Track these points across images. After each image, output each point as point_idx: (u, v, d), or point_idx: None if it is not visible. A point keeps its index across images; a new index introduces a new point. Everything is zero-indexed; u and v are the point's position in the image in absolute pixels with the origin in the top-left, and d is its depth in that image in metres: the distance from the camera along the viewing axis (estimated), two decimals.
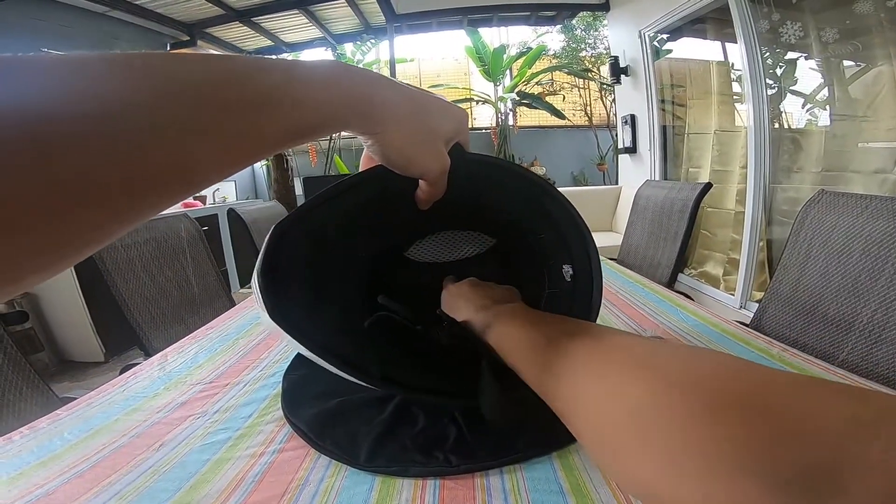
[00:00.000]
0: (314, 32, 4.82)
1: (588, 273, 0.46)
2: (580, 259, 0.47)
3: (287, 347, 0.74)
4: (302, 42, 5.03)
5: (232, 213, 1.85)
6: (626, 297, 0.99)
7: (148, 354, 1.06)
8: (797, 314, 0.97)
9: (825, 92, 2.36)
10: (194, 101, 0.21)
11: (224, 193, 4.26)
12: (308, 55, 5.25)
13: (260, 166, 4.88)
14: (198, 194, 3.43)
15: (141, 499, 0.40)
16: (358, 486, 0.41)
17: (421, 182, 0.39)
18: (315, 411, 0.51)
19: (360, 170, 0.41)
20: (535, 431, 0.46)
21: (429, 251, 0.56)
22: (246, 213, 1.84)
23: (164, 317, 1.26)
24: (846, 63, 2.23)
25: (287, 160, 4.42)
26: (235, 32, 4.53)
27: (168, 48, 4.16)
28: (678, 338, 0.73)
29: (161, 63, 0.20)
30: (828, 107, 2.37)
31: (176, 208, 2.95)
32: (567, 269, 0.47)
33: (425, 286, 0.54)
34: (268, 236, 0.38)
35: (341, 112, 0.30)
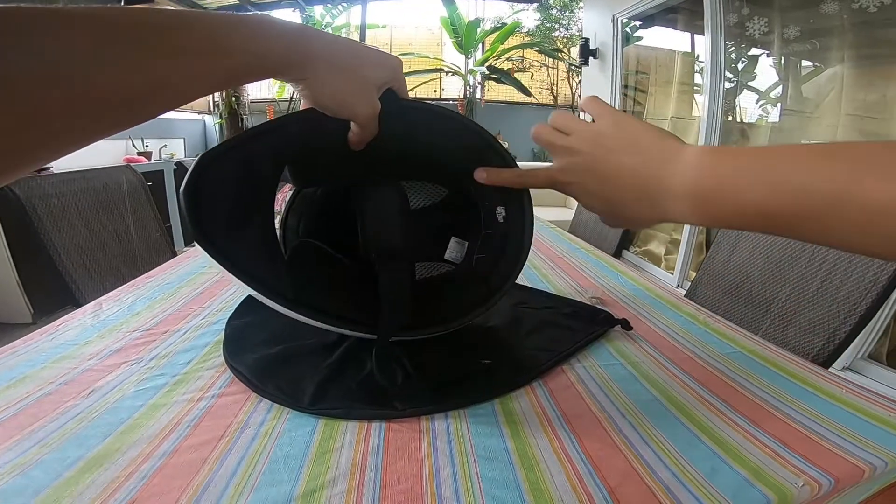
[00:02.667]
0: None
1: (520, 215, 0.49)
2: (514, 203, 0.50)
3: (233, 295, 0.72)
4: (269, 2, 4.75)
5: (180, 168, 1.76)
6: (570, 260, 1.02)
7: None
8: (725, 292, 1.04)
9: (780, 90, 2.47)
10: (135, 44, 0.25)
11: (171, 150, 4.01)
12: (276, 14, 4.97)
13: (213, 124, 4.62)
14: (143, 150, 3.24)
15: (66, 446, 0.37)
16: (300, 429, 0.41)
17: (352, 124, 0.42)
18: (258, 356, 0.50)
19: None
20: (478, 378, 0.48)
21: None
22: None
23: (99, 269, 1.19)
24: (803, 63, 2.33)
25: (242, 119, 4.22)
26: None
27: (122, 2, 3.83)
28: (615, 300, 0.76)
29: (105, 14, 0.23)
30: (779, 104, 2.49)
31: (118, 161, 2.76)
32: (500, 211, 0.50)
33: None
34: (193, 163, 0.39)
35: (273, 61, 0.34)
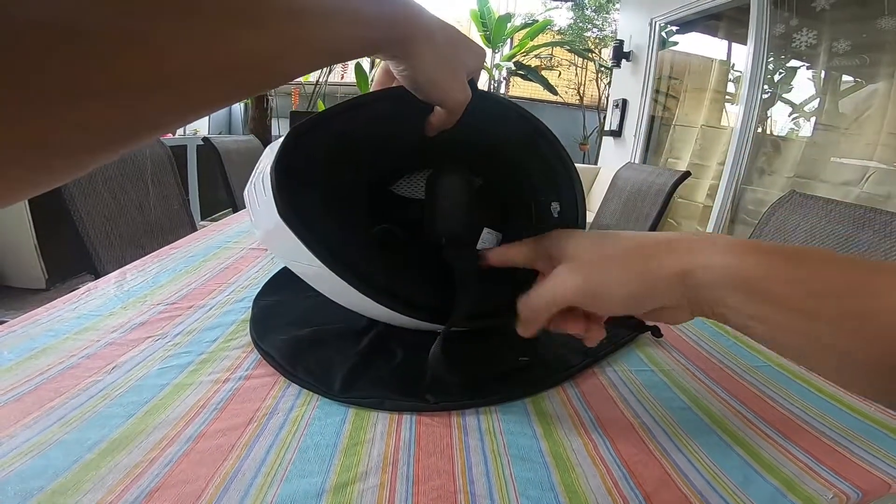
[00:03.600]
0: None
1: (574, 208, 0.49)
2: (567, 196, 0.49)
3: (258, 272, 0.70)
4: None
5: (207, 143, 1.74)
6: None
7: (98, 277, 0.99)
8: None
9: (815, 103, 2.41)
10: (215, 8, 0.18)
11: (195, 126, 4.04)
12: None
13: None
14: None
15: (88, 425, 0.36)
16: (330, 417, 0.39)
17: (437, 109, 0.39)
18: (286, 338, 0.48)
19: (373, 89, 0.42)
20: (511, 375, 0.46)
21: (413, 187, 0.54)
22: (221, 144, 1.75)
23: (121, 238, 1.18)
24: (844, 77, 2.27)
25: (267, 99, 4.22)
26: None
27: None
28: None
29: None
30: (813, 118, 2.43)
31: None
32: (555, 206, 0.49)
33: (406, 220, 0.53)
34: (283, 138, 0.38)
35: (385, 31, 0.30)
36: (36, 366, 0.43)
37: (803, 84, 2.51)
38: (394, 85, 0.40)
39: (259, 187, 0.40)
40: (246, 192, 0.46)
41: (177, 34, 0.17)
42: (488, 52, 5.24)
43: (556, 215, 0.49)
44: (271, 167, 0.36)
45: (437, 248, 0.45)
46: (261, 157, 0.46)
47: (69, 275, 2.32)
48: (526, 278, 0.42)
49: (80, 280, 2.30)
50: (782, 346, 0.28)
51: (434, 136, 0.41)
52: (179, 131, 3.65)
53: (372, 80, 0.41)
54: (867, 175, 2.02)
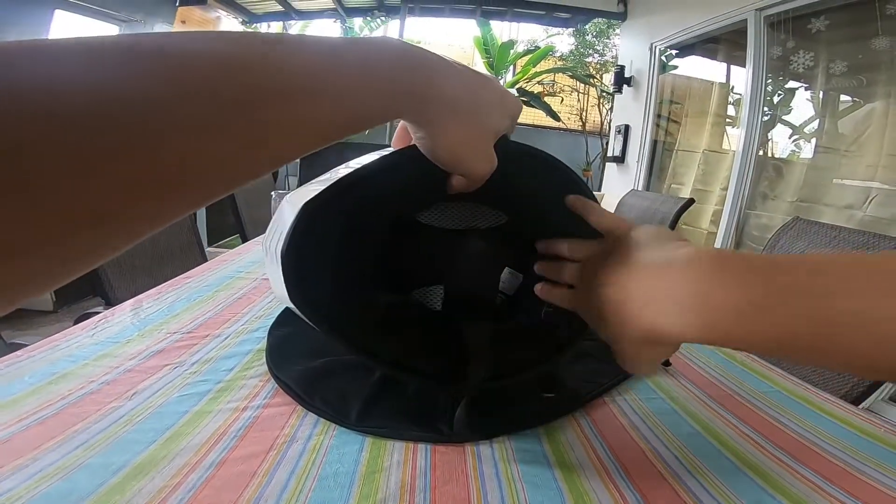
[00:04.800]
0: (327, 3, 4.69)
1: None
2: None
3: (271, 303, 0.71)
4: (313, 11, 4.90)
5: None
6: None
7: (109, 304, 1.00)
8: None
9: (815, 124, 2.43)
10: (208, 95, 0.17)
11: None
12: (317, 25, 5.13)
13: None
14: None
15: (111, 450, 0.36)
16: (347, 446, 0.40)
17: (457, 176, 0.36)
18: (302, 368, 0.49)
19: (392, 145, 0.39)
20: (522, 405, 0.47)
21: (439, 216, 0.54)
22: None
23: (132, 265, 1.20)
24: (842, 98, 2.30)
25: None
26: None
27: (177, 4, 3.96)
28: None
29: (174, 49, 0.17)
30: (814, 139, 2.45)
31: None
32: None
33: (427, 250, 0.53)
34: (296, 216, 0.35)
35: (391, 103, 0.27)
36: (57, 391, 0.44)
37: (802, 105, 2.55)
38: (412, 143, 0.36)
39: (272, 255, 0.38)
40: (263, 242, 0.46)
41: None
42: None
43: None
44: (281, 251, 0.35)
45: (449, 314, 0.45)
46: (279, 210, 0.42)
47: (76, 298, 2.34)
48: (535, 338, 0.42)
49: (87, 303, 2.33)
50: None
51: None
52: None
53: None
54: (870, 197, 2.03)
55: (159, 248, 1.33)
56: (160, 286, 0.76)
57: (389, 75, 0.26)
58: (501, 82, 5.26)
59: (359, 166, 0.36)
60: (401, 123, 0.37)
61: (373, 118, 0.26)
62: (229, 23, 4.73)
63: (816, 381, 0.80)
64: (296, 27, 5.12)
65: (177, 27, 4.00)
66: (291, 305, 0.37)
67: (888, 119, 2.00)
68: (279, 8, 4.70)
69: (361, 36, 0.28)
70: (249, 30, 4.88)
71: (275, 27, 5.22)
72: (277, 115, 0.20)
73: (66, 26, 3.12)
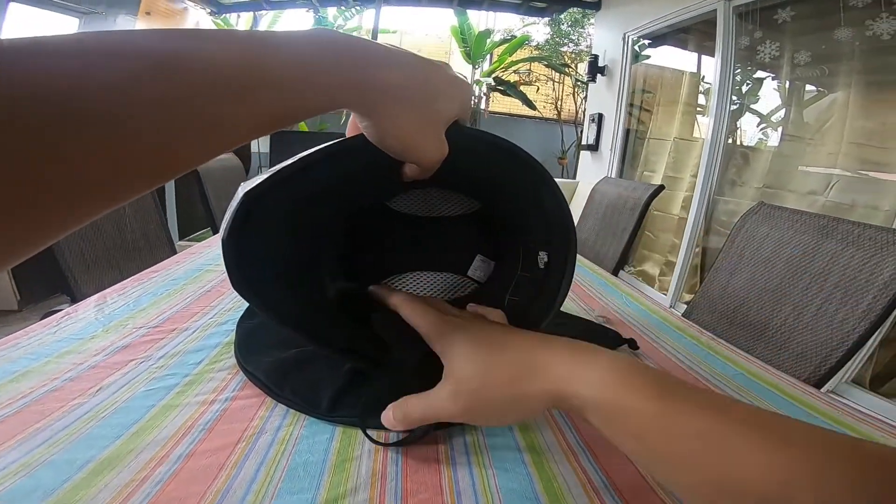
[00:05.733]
0: None
1: (561, 269, 0.44)
2: (558, 252, 0.45)
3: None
4: (284, 0, 4.74)
5: None
6: (576, 278, 1.02)
7: (75, 300, 0.97)
8: (721, 315, 1.05)
9: (781, 113, 2.50)
10: (137, 91, 0.18)
11: None
12: (289, 14, 4.97)
13: None
14: None
15: (75, 446, 0.36)
16: (318, 436, 0.40)
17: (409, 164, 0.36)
18: (271, 360, 0.49)
19: (347, 133, 0.37)
20: None
21: (409, 203, 0.54)
22: None
23: (97, 259, 1.17)
24: (808, 87, 2.37)
25: None
26: None
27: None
28: (621, 319, 0.76)
29: (114, 43, 0.18)
30: (780, 128, 2.52)
31: None
32: (542, 256, 0.47)
33: (397, 237, 0.53)
34: (236, 203, 0.34)
35: (331, 95, 0.27)
36: (18, 389, 0.43)
37: (770, 94, 2.62)
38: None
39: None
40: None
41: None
42: (468, 68, 5.32)
43: (542, 266, 0.47)
44: (222, 237, 0.34)
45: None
46: (234, 198, 0.42)
47: (42, 296, 2.26)
48: None
49: (53, 301, 2.25)
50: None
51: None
52: None
53: None
54: (831, 184, 2.10)
55: (126, 243, 1.30)
56: (125, 281, 0.74)
57: (328, 67, 0.26)
58: (478, 71, 5.28)
59: (303, 155, 0.36)
60: (352, 118, 0.36)
61: (311, 109, 0.26)
62: (196, 13, 4.54)
63: (778, 365, 0.83)
64: (267, 17, 4.95)
65: (141, 19, 3.82)
66: None
67: (849, 109, 2.07)
68: None
69: (317, 27, 0.27)
70: (218, 21, 4.72)
71: (244, 18, 5.04)
72: (211, 110, 0.21)
73: (23, 19, 2.96)
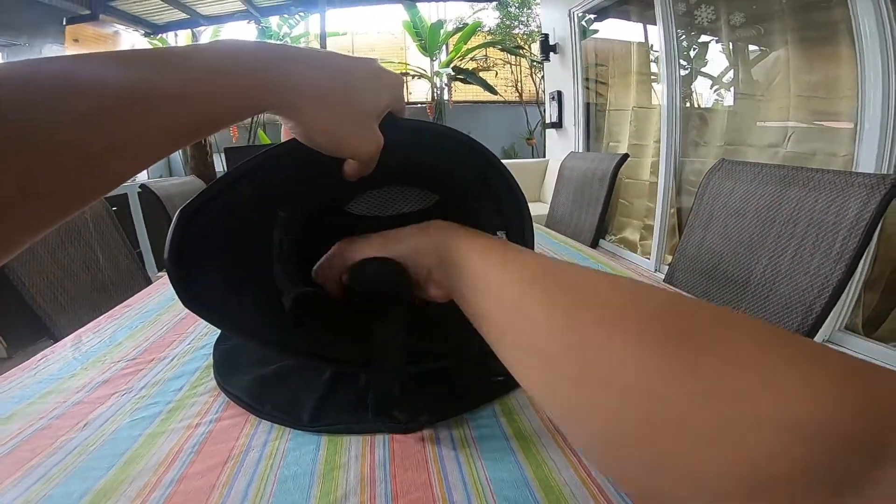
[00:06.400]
0: (236, 4, 4.45)
1: (521, 239, 0.46)
2: (514, 225, 0.47)
3: None
4: (222, 15, 4.63)
5: (145, 190, 1.69)
6: (550, 254, 1.05)
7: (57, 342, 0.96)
8: (703, 273, 1.07)
9: (731, 74, 2.57)
10: (45, 114, 0.19)
11: None
12: (229, 29, 4.86)
13: None
14: None
15: (70, 479, 0.37)
16: (304, 447, 0.41)
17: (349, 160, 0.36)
18: (251, 378, 0.50)
19: (282, 138, 0.38)
20: (475, 382, 0.48)
21: (367, 205, 0.53)
22: (160, 189, 1.69)
23: (71, 300, 1.15)
24: (751, 48, 2.43)
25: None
26: (144, 5, 4.08)
27: (64, 23, 3.65)
28: None
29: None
30: (732, 88, 2.59)
31: None
32: (500, 235, 0.48)
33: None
34: (173, 221, 0.34)
35: (246, 99, 0.27)
36: (6, 430, 0.44)
37: (717, 57, 2.68)
38: None
39: None
40: None
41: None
42: (426, 60, 5.30)
43: None
44: (165, 257, 0.35)
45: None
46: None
47: (29, 342, 2.21)
48: (453, 329, 0.43)
49: (42, 346, 2.18)
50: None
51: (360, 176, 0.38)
52: None
53: None
54: (788, 135, 2.17)
55: (99, 281, 1.28)
56: (98, 318, 0.74)
57: (237, 73, 0.27)
58: (436, 62, 5.26)
59: (234, 169, 0.37)
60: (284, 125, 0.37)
61: (230, 115, 0.27)
62: (129, 37, 4.40)
63: (765, 318, 0.86)
64: (207, 33, 4.83)
65: (69, 47, 3.68)
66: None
67: (790, 64, 2.13)
68: (183, 15, 4.40)
69: (277, 36, 0.28)
70: (155, 42, 4.57)
71: (182, 36, 4.90)
72: (111, 129, 0.21)
73: None
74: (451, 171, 0.47)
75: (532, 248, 0.46)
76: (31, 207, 0.19)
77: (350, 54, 0.35)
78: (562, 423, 0.23)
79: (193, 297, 0.36)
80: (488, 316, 0.29)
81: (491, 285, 0.29)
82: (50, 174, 0.19)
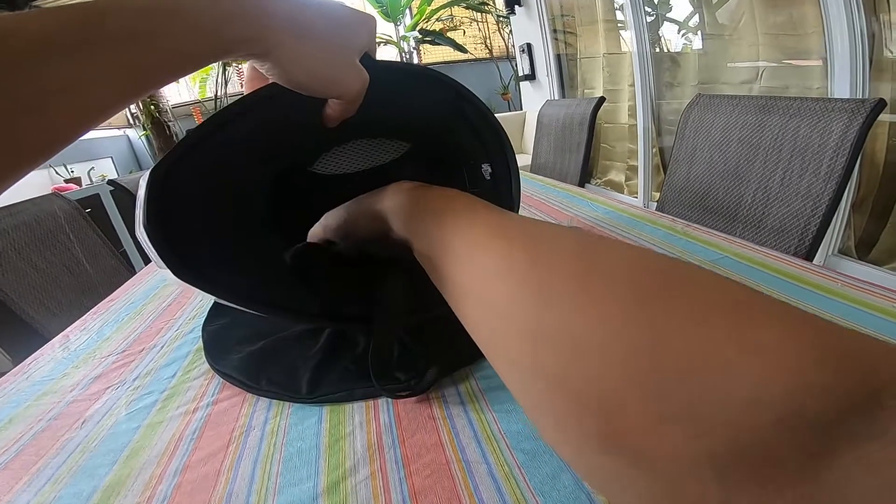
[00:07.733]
0: None
1: (506, 169, 0.47)
2: (497, 157, 0.47)
3: (201, 301, 0.70)
4: None
5: (116, 187, 1.64)
6: (539, 197, 1.05)
7: None
8: (692, 205, 1.08)
9: (696, 18, 2.53)
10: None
11: (101, 171, 3.73)
12: None
13: (137, 137, 4.29)
14: (70, 177, 3.01)
15: (78, 478, 0.36)
16: (306, 420, 0.40)
17: (331, 101, 0.34)
18: (243, 355, 0.49)
19: (245, 91, 0.35)
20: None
21: (339, 162, 0.50)
22: (130, 182, 1.65)
23: (60, 306, 1.13)
24: None
25: (168, 126, 3.98)
26: None
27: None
28: (592, 226, 0.78)
29: None
30: (699, 32, 2.57)
31: (45, 191, 2.58)
32: (486, 168, 0.47)
33: (330, 198, 0.52)
34: (146, 181, 0.31)
35: (218, 35, 0.25)
36: (8, 435, 0.44)
37: (681, 2, 2.65)
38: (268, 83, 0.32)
39: (143, 236, 0.34)
40: (137, 232, 0.38)
41: None
42: (390, 26, 5.13)
43: (489, 177, 0.48)
44: (140, 221, 0.32)
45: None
46: (139, 189, 0.37)
47: (31, 351, 2.19)
48: None
49: None
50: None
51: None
52: (85, 181, 3.41)
53: None
54: (760, 72, 2.16)
55: (84, 283, 1.25)
56: (84, 316, 0.73)
57: (212, 12, 0.25)
58: (401, 27, 5.09)
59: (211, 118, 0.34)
60: (247, 65, 0.34)
61: (201, 56, 0.25)
62: None
63: (760, 243, 0.84)
64: None
65: None
66: (174, 278, 0.35)
67: (753, 4, 2.10)
68: None
69: None
70: None
71: None
72: (65, 71, 0.20)
73: None
74: (425, 112, 0.45)
75: (518, 172, 0.47)
76: None
77: None
78: (509, 382, 0.20)
79: (185, 268, 0.33)
80: (449, 278, 0.27)
81: (457, 249, 0.27)
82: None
